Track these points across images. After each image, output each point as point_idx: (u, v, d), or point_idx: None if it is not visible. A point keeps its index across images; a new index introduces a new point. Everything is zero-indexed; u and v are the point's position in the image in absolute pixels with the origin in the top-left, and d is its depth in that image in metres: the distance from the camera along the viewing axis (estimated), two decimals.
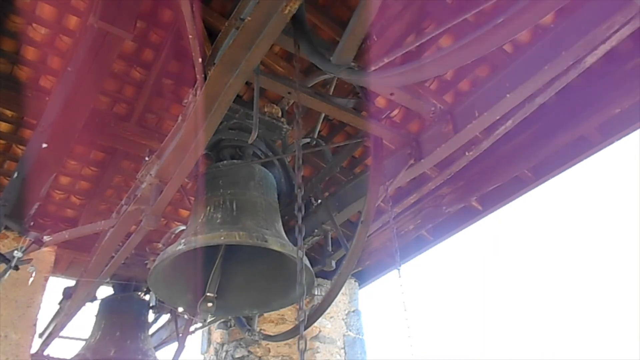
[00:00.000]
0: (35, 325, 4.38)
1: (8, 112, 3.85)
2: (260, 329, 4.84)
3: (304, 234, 2.17)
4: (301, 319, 1.91)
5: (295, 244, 3.07)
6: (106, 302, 4.90)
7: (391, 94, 2.74)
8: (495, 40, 1.38)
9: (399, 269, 3.07)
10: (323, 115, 3.60)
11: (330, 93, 3.45)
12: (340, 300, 5.26)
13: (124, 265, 4.24)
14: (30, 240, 3.66)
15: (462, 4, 3.32)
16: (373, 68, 1.69)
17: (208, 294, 2.97)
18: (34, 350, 4.44)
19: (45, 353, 4.62)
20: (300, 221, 2.16)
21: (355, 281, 5.53)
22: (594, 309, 22.41)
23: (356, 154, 4.37)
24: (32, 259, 3.76)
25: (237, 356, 5.18)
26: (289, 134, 3.61)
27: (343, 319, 5.25)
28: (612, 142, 3.58)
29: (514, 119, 2.99)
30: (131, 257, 4.34)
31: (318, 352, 4.92)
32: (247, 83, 3.00)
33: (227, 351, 5.24)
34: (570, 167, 3.81)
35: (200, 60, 2.52)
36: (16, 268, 3.66)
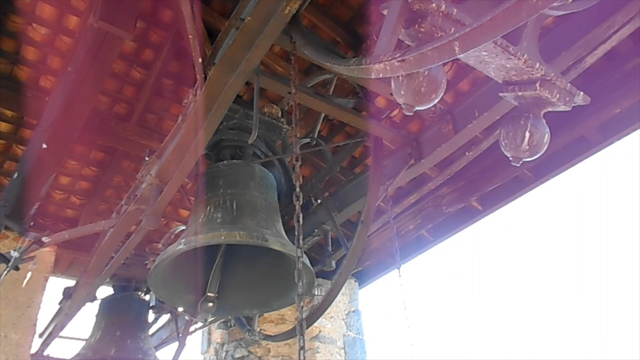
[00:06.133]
0: (35, 325, 4.38)
1: (8, 112, 3.85)
2: (260, 329, 4.85)
3: (301, 242, 2.17)
4: (300, 318, 1.92)
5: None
6: (106, 302, 4.90)
7: (391, 94, 2.74)
8: (501, 27, 1.34)
9: (399, 269, 3.08)
10: (323, 115, 3.60)
11: (330, 93, 3.45)
12: (340, 300, 5.26)
13: (124, 265, 4.24)
14: (30, 240, 3.66)
15: None
16: (374, 59, 1.64)
17: (209, 294, 2.98)
18: (34, 350, 4.44)
19: (45, 353, 4.62)
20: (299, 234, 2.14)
21: (355, 281, 5.53)
22: (594, 308, 22.42)
23: (356, 154, 4.37)
24: (34, 257, 3.76)
25: (237, 356, 5.19)
26: (289, 134, 3.61)
27: (343, 319, 5.25)
28: (612, 142, 3.58)
29: None
30: (131, 257, 4.34)
31: (318, 352, 4.92)
32: (247, 83, 3.00)
33: (227, 351, 5.25)
34: (570, 167, 3.81)
35: (200, 60, 2.52)
36: (16, 268, 3.66)
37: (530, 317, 23.63)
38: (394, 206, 3.91)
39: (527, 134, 1.79)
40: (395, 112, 3.98)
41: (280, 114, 3.45)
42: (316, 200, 3.79)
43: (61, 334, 4.63)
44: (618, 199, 24.99)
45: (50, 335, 4.60)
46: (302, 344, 1.83)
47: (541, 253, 24.17)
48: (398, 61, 1.58)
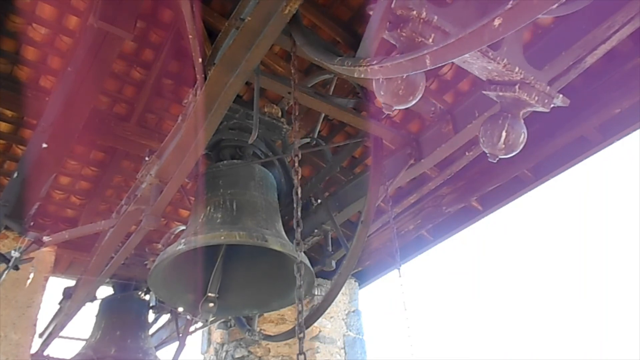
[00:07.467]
0: (35, 325, 4.37)
1: (8, 112, 3.85)
2: (260, 329, 4.84)
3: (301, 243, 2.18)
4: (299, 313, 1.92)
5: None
6: (106, 302, 4.90)
7: None
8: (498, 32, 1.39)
9: (399, 269, 3.07)
10: (323, 115, 3.60)
11: (330, 93, 3.45)
12: (340, 300, 5.26)
13: (124, 265, 4.24)
14: (30, 240, 3.66)
15: None
16: (372, 60, 1.71)
17: (209, 294, 2.98)
18: (34, 350, 4.44)
19: (45, 353, 4.63)
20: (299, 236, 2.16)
21: (355, 281, 5.53)
22: (594, 308, 22.42)
23: (356, 154, 4.37)
24: (32, 258, 3.76)
25: (237, 356, 5.19)
26: (289, 133, 3.61)
27: (343, 319, 5.24)
28: (612, 142, 3.58)
29: None
30: (131, 257, 4.34)
31: (318, 352, 4.92)
32: (247, 83, 3.00)
33: (227, 351, 5.24)
34: (570, 167, 3.81)
35: (200, 60, 2.52)
36: (16, 268, 3.66)
37: (530, 317, 23.63)
38: (394, 206, 3.91)
39: (504, 134, 1.87)
40: (395, 112, 3.98)
41: (280, 114, 3.45)
42: (316, 200, 3.79)
43: (61, 334, 4.63)
44: (618, 199, 25.00)
45: (50, 335, 4.60)
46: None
47: (541, 253, 24.17)
48: (377, 66, 1.69)
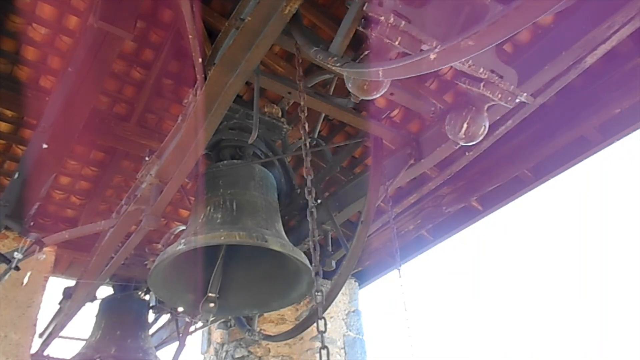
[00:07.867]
0: (35, 325, 4.37)
1: (8, 112, 3.85)
2: (260, 329, 4.84)
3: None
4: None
5: (295, 244, 3.08)
6: (106, 302, 4.90)
7: (391, 94, 2.75)
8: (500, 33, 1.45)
9: (399, 269, 3.07)
10: (323, 115, 3.60)
11: (330, 93, 3.45)
12: (340, 300, 5.25)
13: (124, 266, 4.24)
14: (30, 240, 3.66)
15: None
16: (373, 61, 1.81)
17: (210, 294, 2.97)
18: (34, 350, 4.44)
19: (45, 353, 4.62)
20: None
21: (355, 281, 5.53)
22: (594, 308, 22.42)
23: (356, 154, 4.37)
24: (34, 251, 3.75)
25: (237, 356, 5.18)
26: (289, 134, 3.60)
27: (343, 319, 5.24)
28: (612, 142, 3.58)
29: (514, 119, 3.00)
30: (131, 257, 4.34)
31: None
32: (247, 83, 3.00)
33: (227, 351, 5.24)
34: (570, 167, 3.80)
35: (200, 60, 2.52)
36: (17, 269, 3.66)
37: (530, 317, 23.63)
38: (394, 206, 3.90)
39: (465, 125, 2.06)
40: (395, 112, 3.98)
41: (280, 114, 3.45)
42: (316, 200, 3.79)
43: (61, 334, 4.63)
44: (618, 199, 25.00)
45: (50, 335, 4.60)
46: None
47: (541, 253, 24.17)
48: (339, 68, 1.97)
